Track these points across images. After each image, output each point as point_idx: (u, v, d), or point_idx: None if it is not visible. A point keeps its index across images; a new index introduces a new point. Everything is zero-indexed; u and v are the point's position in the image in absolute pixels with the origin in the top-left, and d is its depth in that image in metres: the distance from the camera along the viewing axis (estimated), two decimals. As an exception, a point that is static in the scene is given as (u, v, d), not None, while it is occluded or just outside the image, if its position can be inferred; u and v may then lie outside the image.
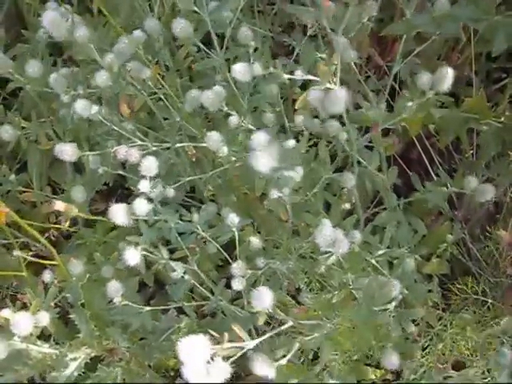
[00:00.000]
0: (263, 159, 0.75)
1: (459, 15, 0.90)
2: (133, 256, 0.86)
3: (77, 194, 0.99)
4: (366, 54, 1.25)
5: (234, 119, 0.95)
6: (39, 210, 1.24)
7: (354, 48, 0.97)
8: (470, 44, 1.24)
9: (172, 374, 1.05)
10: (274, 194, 0.89)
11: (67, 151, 0.94)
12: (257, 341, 0.71)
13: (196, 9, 0.99)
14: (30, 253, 1.14)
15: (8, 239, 1.15)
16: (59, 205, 0.89)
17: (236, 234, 0.91)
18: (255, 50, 1.01)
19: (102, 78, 0.94)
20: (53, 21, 0.89)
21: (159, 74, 1.10)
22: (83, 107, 0.95)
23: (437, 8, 0.96)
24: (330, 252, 0.83)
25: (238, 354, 0.69)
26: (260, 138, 0.78)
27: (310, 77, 0.87)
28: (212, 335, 0.67)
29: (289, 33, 1.34)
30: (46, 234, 1.21)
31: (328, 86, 0.85)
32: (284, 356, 0.75)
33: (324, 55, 1.05)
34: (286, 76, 0.88)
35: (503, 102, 1.16)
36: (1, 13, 1.34)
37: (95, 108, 0.96)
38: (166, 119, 1.08)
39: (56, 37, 0.90)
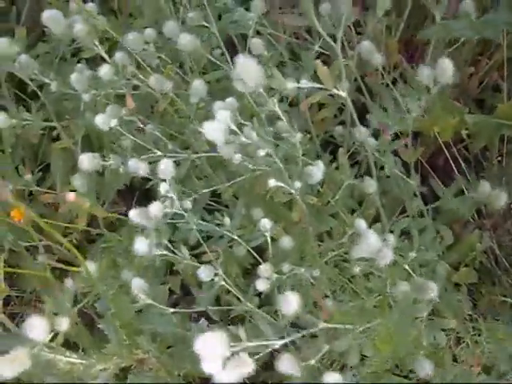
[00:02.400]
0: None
1: (499, 20, 0.89)
2: (142, 245, 0.86)
3: (77, 182, 0.98)
4: (394, 59, 1.23)
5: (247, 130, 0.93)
6: (62, 214, 1.23)
7: (380, 52, 0.97)
8: (499, 49, 1.22)
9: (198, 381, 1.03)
10: (272, 182, 0.86)
11: (84, 161, 0.93)
12: (285, 340, 0.71)
13: (205, 23, 1.01)
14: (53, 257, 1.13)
15: (31, 242, 1.15)
16: (71, 196, 0.88)
17: (268, 238, 0.90)
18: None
19: (104, 72, 0.94)
20: (51, 17, 0.91)
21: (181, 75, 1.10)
22: (103, 121, 0.95)
23: (467, 11, 0.95)
24: (363, 259, 0.82)
25: (265, 351, 0.69)
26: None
27: (316, 85, 0.85)
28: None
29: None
30: (69, 239, 1.20)
31: (335, 91, 0.84)
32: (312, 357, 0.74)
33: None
34: (292, 85, 0.86)
35: (534, 108, 1.14)
36: (22, 12, 1.32)
37: (114, 121, 0.96)
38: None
39: (56, 33, 0.92)
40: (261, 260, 0.97)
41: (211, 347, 0.62)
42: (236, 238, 0.93)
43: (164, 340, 0.91)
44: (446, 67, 0.80)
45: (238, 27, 1.02)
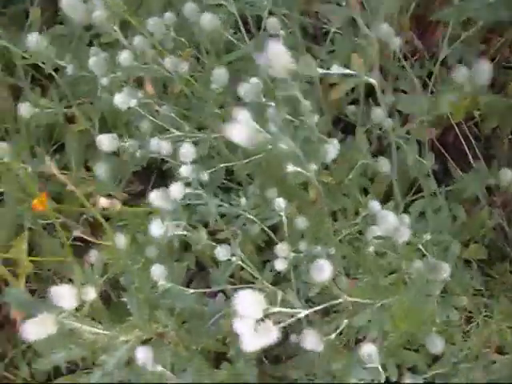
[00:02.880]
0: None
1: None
2: (157, 227, 0.88)
3: (99, 170, 1.00)
4: (405, 37, 1.24)
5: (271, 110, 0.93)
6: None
7: (395, 32, 0.97)
8: (510, 27, 1.22)
9: (213, 356, 1.05)
10: (290, 167, 0.88)
11: (104, 142, 0.95)
12: (310, 310, 0.72)
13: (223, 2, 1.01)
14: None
15: (47, 220, 1.17)
16: (104, 201, 0.90)
17: (284, 218, 0.91)
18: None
19: (124, 59, 0.95)
20: (70, 3, 0.90)
21: (197, 57, 1.10)
22: (122, 100, 0.96)
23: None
24: (378, 237, 0.84)
25: (289, 321, 0.69)
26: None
27: (346, 71, 0.86)
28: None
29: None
30: (84, 216, 1.22)
31: (366, 78, 0.85)
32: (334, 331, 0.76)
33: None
34: (321, 71, 0.86)
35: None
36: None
37: (134, 101, 0.97)
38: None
39: (75, 19, 0.91)
40: (275, 238, 0.99)
41: (248, 306, 0.63)
42: (252, 217, 0.95)
43: (181, 315, 0.93)
44: (485, 69, 0.80)
45: (254, 8, 1.02)
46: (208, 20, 0.95)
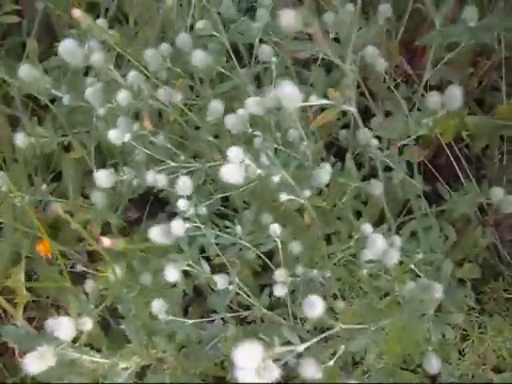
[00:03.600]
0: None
1: (495, 26, 0.92)
2: (172, 273, 0.88)
3: (97, 198, 1.02)
4: (395, 62, 1.26)
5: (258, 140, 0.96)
6: (75, 219, 1.26)
7: (383, 57, 1.00)
8: (497, 50, 1.25)
9: (212, 381, 1.06)
10: (284, 196, 0.90)
11: (101, 178, 0.97)
12: (307, 344, 0.73)
13: (215, 33, 1.04)
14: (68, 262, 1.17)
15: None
16: (107, 242, 0.92)
17: (279, 243, 0.93)
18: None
19: (122, 97, 0.97)
20: (69, 49, 0.93)
21: (190, 86, 1.12)
22: (116, 136, 0.98)
23: (467, 17, 0.98)
24: (371, 260, 0.85)
25: (288, 358, 0.71)
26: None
27: (325, 101, 0.88)
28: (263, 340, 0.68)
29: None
30: (83, 244, 1.23)
31: (344, 107, 0.88)
32: (330, 359, 0.77)
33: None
34: (302, 104, 0.89)
35: (533, 107, 1.17)
36: (34, 24, 1.35)
37: (128, 136, 0.99)
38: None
39: (72, 65, 0.94)
40: (270, 264, 1.00)
41: (248, 357, 0.64)
42: (247, 245, 0.96)
43: (180, 340, 0.94)
44: (455, 95, 0.83)
45: (244, 37, 1.05)
46: (199, 58, 0.98)
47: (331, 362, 0.76)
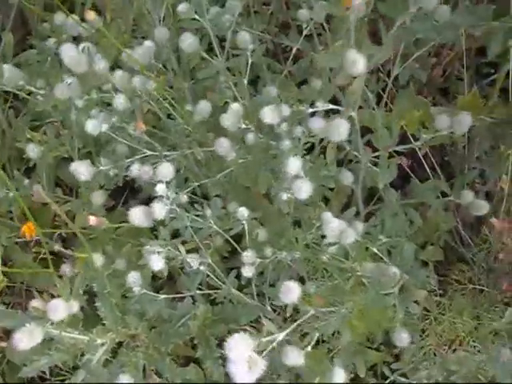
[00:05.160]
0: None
1: (459, 23, 0.96)
2: (157, 262, 0.92)
3: (97, 198, 1.07)
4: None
5: (250, 136, 1.00)
6: (49, 208, 1.29)
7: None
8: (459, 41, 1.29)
9: (182, 361, 1.10)
10: (284, 196, 0.95)
11: (80, 169, 0.99)
12: (286, 331, 0.77)
13: (197, 16, 1.06)
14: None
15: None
16: (93, 220, 0.95)
17: (246, 226, 0.97)
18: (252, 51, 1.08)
19: (120, 103, 1.01)
20: (73, 58, 0.94)
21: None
22: (93, 127, 1.02)
23: (438, 15, 1.02)
24: (334, 242, 0.89)
25: (270, 347, 0.74)
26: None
27: (331, 106, 0.94)
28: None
29: (285, 32, 1.39)
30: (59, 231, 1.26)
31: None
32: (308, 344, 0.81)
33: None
34: (309, 110, 0.96)
35: (493, 96, 1.22)
36: (8, 19, 1.37)
37: (105, 126, 1.02)
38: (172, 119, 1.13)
39: (77, 71, 0.95)
40: (238, 248, 1.04)
41: (240, 350, 0.68)
42: (216, 227, 1.00)
43: (151, 320, 0.98)
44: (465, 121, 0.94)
45: (215, 28, 1.07)
46: (188, 43, 1.01)
47: (309, 348, 0.79)
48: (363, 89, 1.10)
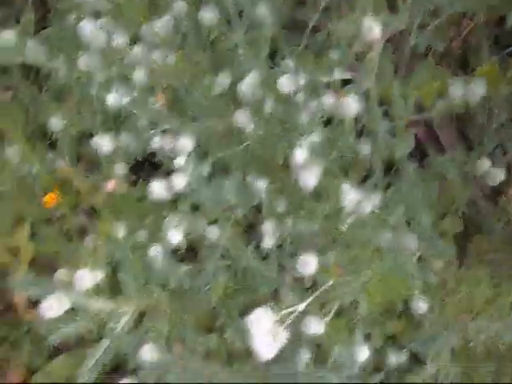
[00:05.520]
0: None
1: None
2: (175, 235, 0.94)
3: (119, 170, 1.09)
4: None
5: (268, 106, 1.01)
6: (72, 183, 1.31)
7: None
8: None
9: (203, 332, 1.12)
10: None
11: (104, 144, 1.01)
12: (306, 302, 0.79)
13: None
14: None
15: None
16: (111, 184, 0.97)
17: (264, 197, 0.98)
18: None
19: (139, 76, 1.03)
20: (91, 33, 0.97)
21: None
22: (114, 100, 1.03)
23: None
24: (352, 213, 0.90)
25: (290, 318, 0.77)
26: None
27: (348, 75, 0.96)
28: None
29: (302, 5, 1.39)
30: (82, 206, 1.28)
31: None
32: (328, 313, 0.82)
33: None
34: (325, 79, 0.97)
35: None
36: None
37: (126, 100, 1.03)
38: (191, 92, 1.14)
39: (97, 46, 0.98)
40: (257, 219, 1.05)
41: (262, 323, 0.70)
42: (236, 200, 1.01)
43: (173, 287, 1.00)
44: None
45: (234, 1, 1.08)
46: (208, 17, 1.02)
47: (329, 317, 0.81)
48: (380, 58, 1.11)
